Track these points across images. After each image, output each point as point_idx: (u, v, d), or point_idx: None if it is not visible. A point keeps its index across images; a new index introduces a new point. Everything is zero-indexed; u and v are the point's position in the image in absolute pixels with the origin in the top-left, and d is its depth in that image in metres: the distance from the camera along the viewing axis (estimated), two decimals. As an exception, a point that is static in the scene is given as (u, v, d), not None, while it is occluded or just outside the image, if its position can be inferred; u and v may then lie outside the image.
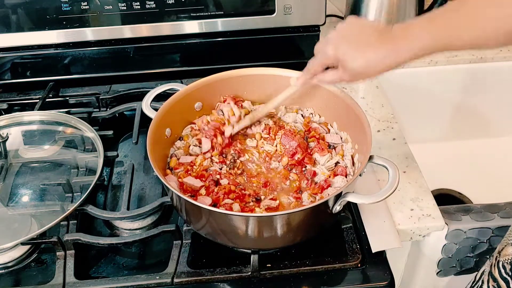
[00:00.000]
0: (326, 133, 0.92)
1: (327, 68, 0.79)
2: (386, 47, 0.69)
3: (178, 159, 0.87)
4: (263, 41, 1.16)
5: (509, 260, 0.75)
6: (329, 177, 0.84)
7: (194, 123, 0.93)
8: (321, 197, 0.80)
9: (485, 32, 0.63)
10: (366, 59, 0.70)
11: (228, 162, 0.86)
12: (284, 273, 0.77)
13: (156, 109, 0.86)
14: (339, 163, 0.86)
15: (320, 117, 0.95)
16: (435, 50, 0.67)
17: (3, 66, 1.15)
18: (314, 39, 1.18)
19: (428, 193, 0.90)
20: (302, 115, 0.95)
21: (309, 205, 0.71)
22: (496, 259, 0.78)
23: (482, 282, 0.80)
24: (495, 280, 0.77)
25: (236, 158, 0.86)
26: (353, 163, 0.86)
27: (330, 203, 0.73)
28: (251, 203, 0.79)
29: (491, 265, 0.79)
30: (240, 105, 0.94)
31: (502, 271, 0.76)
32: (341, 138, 0.90)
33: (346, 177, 0.84)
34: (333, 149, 0.89)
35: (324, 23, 1.15)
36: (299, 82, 0.85)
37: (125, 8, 1.07)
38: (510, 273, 0.75)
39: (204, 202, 0.77)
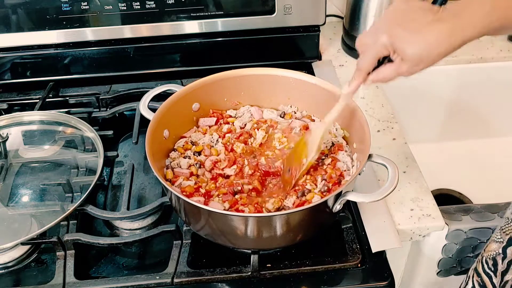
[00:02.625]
0: (309, 123, 0.93)
1: (377, 65, 0.70)
2: (444, 26, 0.62)
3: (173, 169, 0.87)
4: (263, 41, 1.16)
5: (492, 256, 0.75)
6: (330, 153, 0.86)
7: (185, 137, 0.92)
8: (340, 173, 0.82)
9: None
10: (425, 41, 0.62)
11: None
12: (284, 273, 0.77)
13: (154, 110, 0.86)
14: (334, 143, 0.88)
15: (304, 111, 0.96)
16: (501, 24, 0.62)
17: (3, 66, 1.15)
18: (314, 39, 1.18)
19: (428, 193, 0.90)
20: (284, 112, 0.95)
21: (309, 204, 0.71)
22: (481, 255, 0.78)
23: (468, 277, 0.80)
24: (479, 275, 0.77)
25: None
26: (347, 143, 0.88)
27: (330, 202, 0.73)
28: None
29: (477, 261, 0.79)
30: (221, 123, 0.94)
31: (485, 266, 0.75)
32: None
33: (345, 152, 0.86)
34: None
35: (324, 23, 1.15)
36: (353, 87, 0.73)
37: (125, 8, 1.07)
38: (492, 268, 0.74)
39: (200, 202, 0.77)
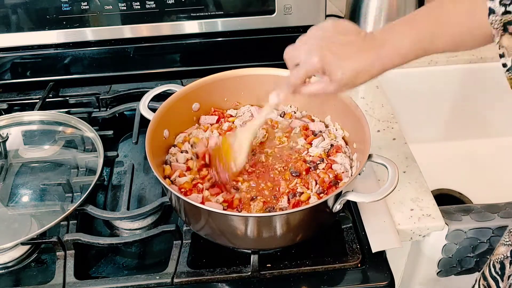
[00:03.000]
0: (309, 123, 0.93)
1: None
2: (369, 56, 0.67)
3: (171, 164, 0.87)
4: (263, 41, 1.16)
5: (499, 259, 0.74)
6: (328, 156, 0.86)
7: (186, 132, 0.92)
8: (335, 175, 0.82)
9: (460, 35, 0.66)
10: (354, 69, 0.67)
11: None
12: (284, 273, 0.77)
13: (154, 110, 0.86)
14: (333, 145, 0.88)
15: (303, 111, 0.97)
16: (416, 57, 0.68)
17: (3, 66, 1.15)
18: (314, 39, 1.18)
19: (428, 193, 0.90)
20: (284, 112, 0.96)
21: (309, 204, 0.71)
22: (489, 259, 0.78)
23: (476, 281, 0.80)
24: (485, 279, 0.77)
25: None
26: (346, 144, 0.88)
27: (330, 202, 0.73)
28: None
29: (485, 265, 0.79)
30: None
31: (492, 270, 0.75)
32: (325, 125, 0.92)
33: (344, 154, 0.86)
34: (322, 133, 0.90)
35: (324, 23, 1.15)
36: (281, 98, 0.77)
37: (125, 8, 1.07)
38: (499, 272, 0.74)
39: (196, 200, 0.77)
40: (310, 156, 0.86)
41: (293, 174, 0.82)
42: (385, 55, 0.67)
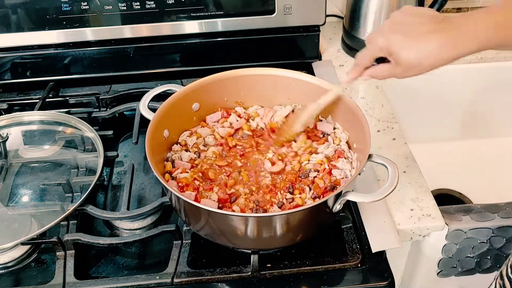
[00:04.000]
0: (318, 122, 0.93)
1: (379, 62, 0.72)
2: (444, 36, 0.63)
3: (173, 161, 0.87)
4: (263, 41, 1.16)
5: None
6: (330, 161, 0.85)
7: (190, 130, 0.93)
8: (333, 182, 0.82)
9: None
10: (421, 49, 0.63)
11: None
12: (284, 273, 0.77)
13: (154, 110, 0.86)
14: (336, 150, 0.88)
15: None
16: (493, 46, 0.63)
17: (3, 66, 1.15)
18: (314, 39, 1.18)
19: (428, 193, 0.90)
20: (293, 110, 0.96)
21: (309, 204, 0.71)
22: (509, 258, 0.77)
23: (494, 279, 0.80)
24: (502, 278, 0.77)
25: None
26: (350, 148, 0.88)
27: (330, 202, 0.73)
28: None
29: (504, 264, 0.78)
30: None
31: (509, 270, 0.75)
32: (334, 127, 0.91)
33: (346, 159, 0.85)
34: (327, 136, 0.90)
35: (324, 23, 1.15)
36: (351, 78, 0.76)
37: (125, 8, 1.07)
38: None
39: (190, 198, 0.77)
40: (311, 162, 0.86)
41: (289, 190, 0.81)
42: (459, 39, 0.63)
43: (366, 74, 0.74)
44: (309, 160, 0.86)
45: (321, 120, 0.93)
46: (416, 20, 0.65)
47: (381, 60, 0.72)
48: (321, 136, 0.91)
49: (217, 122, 0.95)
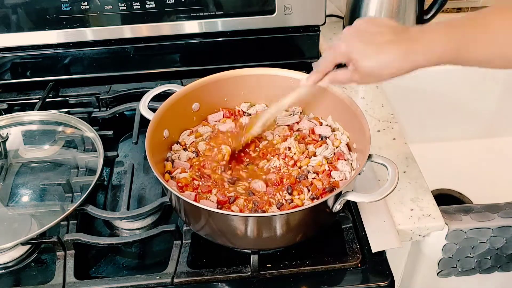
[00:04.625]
0: (316, 126, 0.93)
1: (339, 67, 0.74)
2: (400, 48, 0.65)
3: (173, 161, 0.87)
4: (263, 41, 1.16)
5: None
6: (330, 163, 0.85)
7: (190, 129, 0.93)
8: (331, 184, 0.81)
9: (494, 54, 0.63)
10: (378, 58, 0.66)
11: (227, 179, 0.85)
12: (284, 273, 0.77)
13: (154, 110, 0.86)
14: (335, 153, 0.87)
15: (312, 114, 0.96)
16: (449, 60, 0.65)
17: (3, 66, 1.15)
18: (314, 39, 1.18)
19: (428, 193, 0.90)
20: (293, 114, 0.96)
21: (309, 204, 0.71)
22: None
23: None
24: None
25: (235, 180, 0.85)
26: (350, 149, 0.88)
27: (330, 202, 0.73)
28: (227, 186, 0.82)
29: None
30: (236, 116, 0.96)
31: None
32: (332, 129, 0.91)
33: (345, 161, 0.85)
34: (327, 139, 0.90)
35: (324, 23, 1.15)
36: (310, 81, 0.78)
37: (125, 8, 1.07)
38: None
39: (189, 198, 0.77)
40: (310, 165, 0.86)
41: (288, 191, 0.81)
42: (418, 50, 0.65)
43: (326, 79, 0.76)
44: (308, 165, 0.85)
45: (321, 124, 0.93)
46: (377, 30, 0.68)
47: (340, 66, 0.74)
48: (319, 139, 0.90)
49: (219, 121, 0.95)
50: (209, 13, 1.09)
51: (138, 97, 1.01)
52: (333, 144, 0.89)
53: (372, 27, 0.69)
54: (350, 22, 1.21)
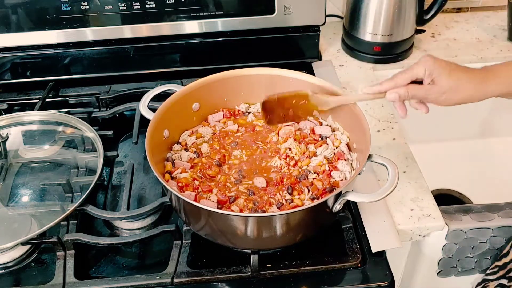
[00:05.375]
0: (316, 126, 0.93)
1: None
2: (477, 80, 0.77)
3: (173, 161, 0.87)
4: (263, 41, 1.16)
5: None
6: (330, 163, 0.85)
7: (190, 130, 0.93)
8: (332, 184, 0.81)
9: None
10: (458, 80, 0.75)
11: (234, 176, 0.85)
12: (284, 273, 0.77)
13: (154, 110, 0.86)
14: (335, 153, 0.87)
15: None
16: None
17: (3, 66, 1.15)
18: (314, 39, 1.18)
19: (428, 193, 0.90)
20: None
21: (309, 204, 0.71)
22: None
23: None
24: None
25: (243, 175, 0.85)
26: (350, 149, 0.88)
27: (330, 202, 0.73)
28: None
29: None
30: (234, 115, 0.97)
31: None
32: (332, 129, 0.91)
33: (345, 161, 0.85)
34: (327, 139, 0.90)
35: (324, 23, 1.15)
36: (381, 89, 0.79)
37: (125, 8, 1.07)
38: None
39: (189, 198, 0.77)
40: (311, 166, 0.86)
41: (288, 191, 0.81)
42: (489, 87, 0.78)
43: (396, 91, 0.78)
44: (308, 165, 0.86)
45: (321, 124, 0.93)
46: (457, 64, 0.80)
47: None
48: (320, 139, 0.91)
49: (219, 121, 0.95)
50: (209, 13, 1.09)
51: (138, 97, 1.01)
52: (333, 144, 0.89)
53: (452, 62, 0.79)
54: (350, 22, 1.21)
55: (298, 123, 0.94)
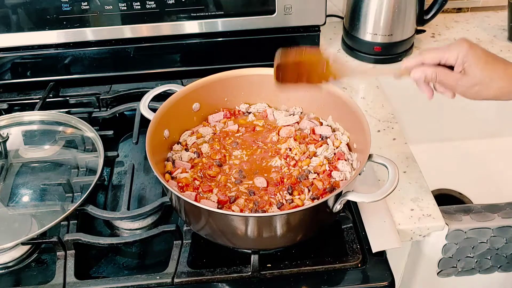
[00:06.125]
0: (316, 126, 0.93)
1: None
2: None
3: (174, 161, 0.87)
4: (263, 41, 1.16)
5: None
6: (331, 163, 0.85)
7: (191, 130, 0.93)
8: (332, 184, 0.81)
9: None
10: (493, 72, 0.66)
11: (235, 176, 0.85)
12: (284, 273, 0.77)
13: (154, 110, 0.86)
14: (335, 153, 0.88)
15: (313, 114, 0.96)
16: None
17: (3, 66, 1.15)
18: (314, 39, 1.18)
19: (428, 193, 0.90)
20: (293, 114, 0.96)
21: (310, 204, 0.71)
22: None
23: None
24: None
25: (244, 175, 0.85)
26: (350, 149, 0.88)
27: (330, 202, 0.73)
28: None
29: None
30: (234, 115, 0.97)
31: None
32: (332, 129, 0.91)
33: (346, 161, 0.85)
34: (327, 139, 0.90)
35: (324, 23, 1.16)
36: (411, 64, 0.72)
37: (125, 8, 1.07)
38: None
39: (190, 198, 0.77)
40: (311, 166, 0.86)
41: (288, 191, 0.81)
42: None
43: (422, 71, 0.70)
44: (309, 165, 0.86)
45: (321, 124, 0.93)
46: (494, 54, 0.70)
47: None
48: (320, 139, 0.91)
49: (219, 121, 0.95)
50: (209, 13, 1.09)
51: (138, 97, 1.01)
52: (333, 144, 0.89)
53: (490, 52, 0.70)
54: (350, 22, 1.21)
55: (298, 123, 0.93)
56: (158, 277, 0.77)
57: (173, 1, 1.07)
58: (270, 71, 0.92)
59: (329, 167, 0.84)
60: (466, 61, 0.67)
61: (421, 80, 0.71)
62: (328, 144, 0.89)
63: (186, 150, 0.89)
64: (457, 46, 0.68)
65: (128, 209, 0.85)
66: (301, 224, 0.74)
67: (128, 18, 1.09)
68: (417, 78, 0.70)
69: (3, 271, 0.81)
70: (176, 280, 0.76)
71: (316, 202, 0.71)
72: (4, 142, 0.97)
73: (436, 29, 1.36)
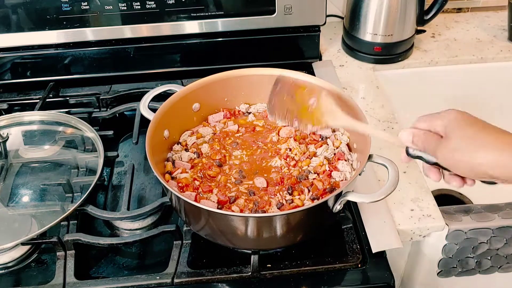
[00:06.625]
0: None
1: None
2: (500, 150, 0.59)
3: (174, 161, 0.87)
4: (263, 41, 1.16)
5: None
6: (331, 163, 0.85)
7: (191, 130, 0.94)
8: (332, 184, 0.81)
9: None
10: (473, 135, 0.61)
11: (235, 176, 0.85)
12: (284, 273, 0.77)
13: (154, 110, 0.86)
14: (335, 153, 0.87)
15: None
16: None
17: (3, 66, 1.15)
18: (314, 39, 1.18)
19: (428, 193, 0.90)
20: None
21: (310, 204, 0.71)
22: None
23: None
24: None
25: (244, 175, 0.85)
26: (350, 150, 0.88)
27: (330, 203, 0.73)
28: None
29: None
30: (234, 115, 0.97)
31: None
32: (332, 129, 0.91)
33: (346, 161, 0.85)
34: (327, 139, 0.90)
35: (325, 23, 1.15)
36: (404, 139, 0.68)
37: (125, 8, 1.07)
38: None
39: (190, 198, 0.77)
40: (311, 166, 0.86)
41: (288, 191, 0.81)
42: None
43: (418, 131, 0.68)
44: (309, 166, 0.86)
45: None
46: (483, 126, 0.64)
47: None
48: (320, 139, 0.91)
49: (219, 122, 0.95)
50: (209, 13, 1.09)
51: (138, 97, 1.01)
52: (333, 145, 0.89)
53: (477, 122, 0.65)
54: (350, 22, 1.21)
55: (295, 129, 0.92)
56: (158, 277, 0.77)
57: (173, 1, 1.07)
58: (270, 71, 0.93)
59: (329, 167, 0.84)
60: (448, 125, 0.65)
61: (408, 141, 0.68)
62: (328, 144, 0.89)
63: (186, 150, 0.89)
64: (446, 114, 0.67)
65: (128, 209, 0.85)
66: (301, 224, 0.74)
67: (128, 18, 1.09)
68: (405, 138, 0.68)
69: (3, 271, 0.81)
70: (176, 280, 0.76)
71: (316, 202, 0.71)
72: (4, 142, 0.97)
73: (436, 29, 1.36)
